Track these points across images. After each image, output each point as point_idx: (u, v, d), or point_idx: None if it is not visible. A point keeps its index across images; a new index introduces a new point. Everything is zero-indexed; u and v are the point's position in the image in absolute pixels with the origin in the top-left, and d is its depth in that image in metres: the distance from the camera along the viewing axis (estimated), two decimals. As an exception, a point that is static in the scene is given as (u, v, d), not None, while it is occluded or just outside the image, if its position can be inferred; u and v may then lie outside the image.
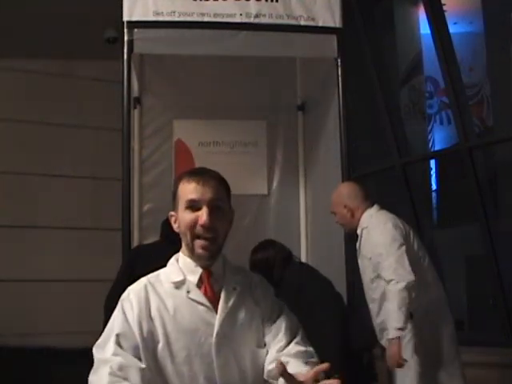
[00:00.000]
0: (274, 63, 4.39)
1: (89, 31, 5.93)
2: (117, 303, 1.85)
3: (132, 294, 1.85)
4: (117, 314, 1.83)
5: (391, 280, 3.17)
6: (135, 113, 4.25)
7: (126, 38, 3.68)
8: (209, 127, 4.48)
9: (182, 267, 1.90)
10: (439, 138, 8.19)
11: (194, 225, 1.84)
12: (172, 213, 1.92)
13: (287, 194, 4.55)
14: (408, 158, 6.23)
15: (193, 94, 4.39)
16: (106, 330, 1.81)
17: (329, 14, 3.84)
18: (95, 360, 1.76)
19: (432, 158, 7.90)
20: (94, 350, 1.77)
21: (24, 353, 4.94)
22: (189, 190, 1.87)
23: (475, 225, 5.58)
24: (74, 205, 6.07)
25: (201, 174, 1.89)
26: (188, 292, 1.85)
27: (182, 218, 1.88)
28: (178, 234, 2.22)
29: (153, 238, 4.20)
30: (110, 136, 5.31)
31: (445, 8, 5.97)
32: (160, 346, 1.77)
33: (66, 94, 6.13)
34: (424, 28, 6.93)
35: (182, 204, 1.88)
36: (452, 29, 6.00)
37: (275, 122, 4.57)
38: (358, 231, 3.50)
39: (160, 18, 3.71)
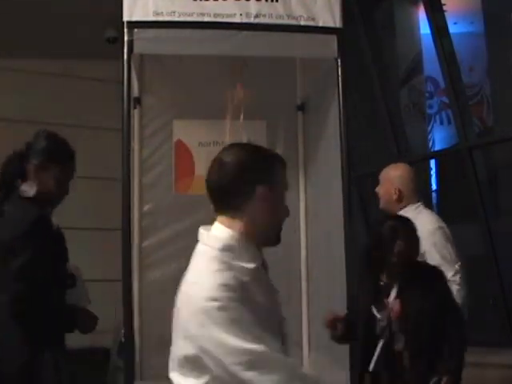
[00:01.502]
0: (274, 63, 4.39)
1: (89, 31, 5.93)
2: None
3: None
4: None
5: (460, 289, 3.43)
6: (135, 113, 4.25)
7: (125, 38, 3.68)
8: (209, 127, 4.48)
9: (251, 251, 1.84)
10: (439, 138, 8.18)
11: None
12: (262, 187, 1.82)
13: (287, 194, 4.53)
14: (408, 158, 6.24)
15: (193, 94, 4.39)
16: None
17: (329, 14, 3.84)
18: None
19: (432, 157, 7.90)
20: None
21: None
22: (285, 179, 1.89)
23: (475, 225, 5.59)
24: (74, 205, 6.05)
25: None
26: (261, 276, 1.85)
27: (279, 207, 1.92)
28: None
29: (153, 238, 4.20)
30: (110, 136, 5.31)
31: (445, 8, 5.98)
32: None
33: (66, 93, 6.13)
34: (424, 28, 6.92)
35: (280, 191, 1.92)
36: (452, 29, 6.01)
37: (275, 122, 4.57)
38: None
39: (160, 18, 3.71)
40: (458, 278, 3.45)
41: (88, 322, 2.90)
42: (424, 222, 3.48)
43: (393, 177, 3.64)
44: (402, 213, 3.54)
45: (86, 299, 3.06)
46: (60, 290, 2.82)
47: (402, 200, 3.58)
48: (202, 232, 1.85)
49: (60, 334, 2.82)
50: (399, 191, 3.57)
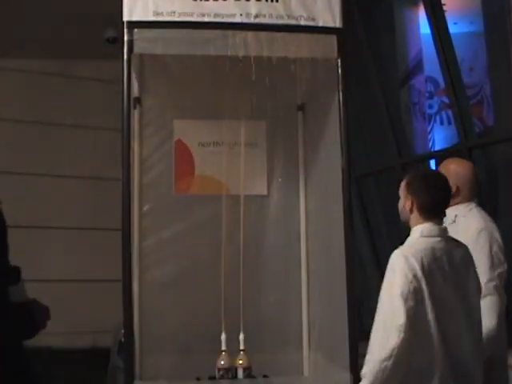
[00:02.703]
0: (274, 63, 4.39)
1: (89, 31, 5.93)
2: None
3: None
4: None
5: (494, 294, 3.24)
6: (135, 113, 4.25)
7: (125, 38, 3.67)
8: (209, 127, 4.48)
9: None
10: (439, 138, 8.19)
11: None
12: None
13: (287, 195, 4.54)
14: (408, 157, 6.24)
15: (193, 94, 4.39)
16: None
17: (329, 14, 3.84)
18: None
19: (432, 157, 7.90)
20: None
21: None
22: None
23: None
24: (74, 205, 6.07)
25: None
26: None
27: None
28: None
29: (153, 238, 4.20)
30: (110, 136, 5.32)
31: (445, 8, 5.98)
32: None
33: (66, 93, 6.14)
34: (424, 28, 6.92)
35: None
36: (452, 29, 6.01)
37: (275, 122, 4.57)
38: (451, 213, 3.46)
39: (160, 18, 3.71)
40: (491, 285, 3.22)
41: (41, 314, 2.46)
42: (471, 222, 3.47)
43: (453, 172, 3.54)
44: (453, 210, 3.47)
45: (25, 295, 2.55)
46: (2, 287, 2.37)
47: (456, 197, 3.51)
48: None
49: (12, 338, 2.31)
50: (457, 188, 3.52)
